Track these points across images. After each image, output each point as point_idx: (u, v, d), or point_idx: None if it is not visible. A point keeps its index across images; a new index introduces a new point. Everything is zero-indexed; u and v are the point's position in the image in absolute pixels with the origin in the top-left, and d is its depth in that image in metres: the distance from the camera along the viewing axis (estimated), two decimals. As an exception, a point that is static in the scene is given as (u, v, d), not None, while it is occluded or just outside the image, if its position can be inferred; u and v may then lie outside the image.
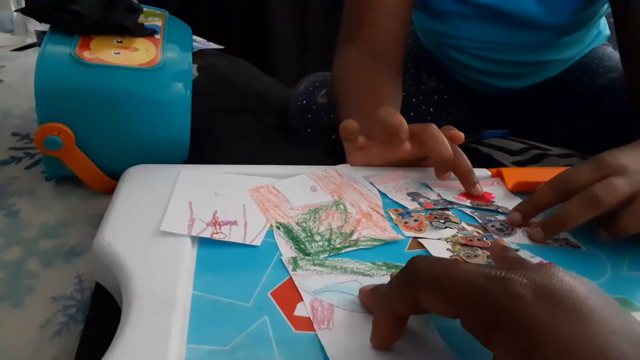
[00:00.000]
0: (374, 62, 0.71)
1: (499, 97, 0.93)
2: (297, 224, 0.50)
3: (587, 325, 0.27)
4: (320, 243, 0.47)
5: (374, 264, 0.45)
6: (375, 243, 0.47)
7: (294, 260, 0.45)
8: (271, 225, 0.49)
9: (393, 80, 0.71)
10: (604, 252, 0.49)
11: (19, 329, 0.46)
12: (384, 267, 0.45)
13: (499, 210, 0.54)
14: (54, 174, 0.61)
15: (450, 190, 0.57)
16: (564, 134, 0.86)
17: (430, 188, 0.57)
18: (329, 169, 0.58)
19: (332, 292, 0.42)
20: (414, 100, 0.86)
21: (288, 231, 0.49)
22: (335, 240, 0.48)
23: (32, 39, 1.15)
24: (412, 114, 0.85)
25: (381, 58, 0.71)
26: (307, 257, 0.45)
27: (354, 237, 0.48)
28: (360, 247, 0.47)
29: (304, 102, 0.82)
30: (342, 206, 0.52)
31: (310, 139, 0.80)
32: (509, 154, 0.77)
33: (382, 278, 0.44)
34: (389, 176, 0.58)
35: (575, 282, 0.30)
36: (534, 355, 0.27)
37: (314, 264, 0.45)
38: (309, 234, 0.48)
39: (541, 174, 0.59)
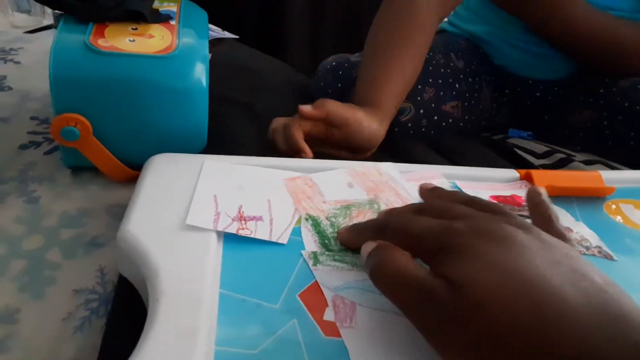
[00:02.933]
0: (407, 19, 0.72)
1: (528, 92, 0.92)
2: (327, 218, 0.49)
3: (515, 255, 0.32)
4: None
5: None
6: None
7: (314, 255, 0.44)
8: (299, 220, 0.48)
9: (417, 46, 0.72)
10: (638, 265, 0.48)
11: (40, 322, 0.45)
12: None
13: None
14: (71, 164, 0.60)
15: (481, 193, 0.56)
16: (585, 135, 0.84)
17: (461, 190, 0.56)
18: (369, 165, 0.56)
19: (353, 290, 0.41)
20: (442, 70, 0.84)
21: (316, 224, 0.48)
22: None
23: (49, 21, 1.13)
24: (440, 80, 0.83)
25: (415, 18, 0.72)
26: (327, 252, 0.45)
27: None
28: None
29: (334, 63, 0.81)
30: (376, 205, 0.51)
31: (341, 95, 0.79)
32: (534, 156, 0.76)
33: None
34: (422, 174, 0.56)
35: (519, 232, 0.33)
36: (463, 269, 0.32)
37: (334, 260, 0.44)
38: (336, 230, 0.48)
39: (571, 179, 0.58)
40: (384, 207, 0.51)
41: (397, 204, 0.51)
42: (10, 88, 0.76)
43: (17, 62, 0.83)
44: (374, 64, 0.70)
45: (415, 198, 0.52)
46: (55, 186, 0.59)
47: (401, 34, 0.71)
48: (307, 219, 0.49)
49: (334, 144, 0.65)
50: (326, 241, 0.46)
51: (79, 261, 0.51)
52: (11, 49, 0.87)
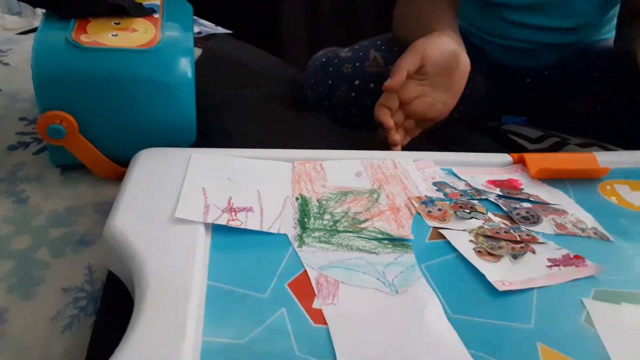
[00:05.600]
0: (434, 2, 0.74)
1: (519, 79, 0.91)
2: (318, 200, 0.49)
3: None
4: (325, 222, 0.46)
5: (379, 242, 0.45)
6: (379, 236, 0.46)
7: (300, 237, 0.44)
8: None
9: (451, 13, 0.75)
10: (633, 245, 0.47)
11: (30, 322, 0.45)
12: (389, 245, 0.44)
13: (530, 198, 0.52)
14: (60, 163, 0.60)
15: (478, 178, 0.55)
16: (579, 119, 0.83)
17: (457, 176, 0.55)
18: (388, 158, 0.56)
19: (337, 269, 0.42)
20: None
21: (304, 203, 0.48)
22: (341, 223, 0.46)
23: (39, 22, 1.13)
24: None
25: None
26: (313, 235, 0.45)
27: (364, 225, 0.47)
28: (362, 236, 0.45)
29: (324, 59, 0.80)
30: (375, 195, 0.50)
31: (330, 92, 0.78)
32: (528, 141, 0.75)
33: (388, 256, 0.43)
34: (418, 164, 0.56)
35: None
36: None
37: (320, 241, 0.44)
38: (321, 211, 0.48)
39: (565, 161, 0.57)
40: (383, 197, 0.50)
41: (399, 196, 0.51)
42: (-1, 90, 0.76)
43: (6, 64, 0.83)
44: (419, 23, 0.72)
45: (422, 192, 0.51)
46: (44, 186, 0.58)
47: (423, 7, 0.75)
48: (297, 198, 0.49)
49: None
50: (305, 219, 0.46)
51: (67, 260, 0.50)
52: (0, 51, 0.87)
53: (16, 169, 0.61)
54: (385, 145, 0.61)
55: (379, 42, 0.80)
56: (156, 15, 0.61)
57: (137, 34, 0.56)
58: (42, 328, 0.44)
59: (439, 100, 0.64)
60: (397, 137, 0.61)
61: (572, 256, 0.45)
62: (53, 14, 0.58)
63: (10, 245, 0.51)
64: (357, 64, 0.76)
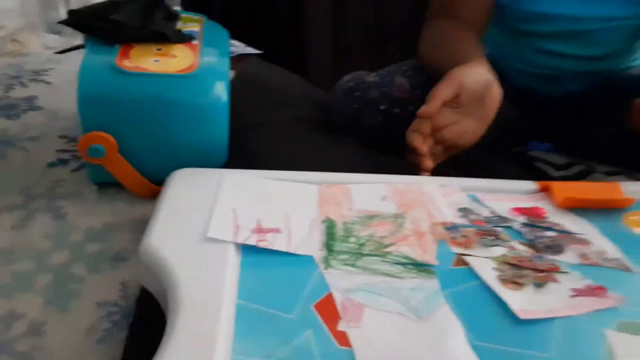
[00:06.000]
0: (461, 29, 0.76)
1: (545, 105, 0.91)
2: (344, 223, 0.50)
3: None
4: (350, 245, 0.48)
5: (404, 266, 0.46)
6: (404, 261, 0.46)
7: (326, 259, 0.46)
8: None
9: (478, 41, 0.77)
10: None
11: (65, 335, 0.47)
12: (414, 270, 0.45)
13: (554, 227, 0.53)
14: (98, 180, 0.63)
15: (502, 205, 0.56)
16: (606, 146, 0.83)
17: (481, 203, 0.56)
18: (414, 183, 0.57)
19: (362, 292, 0.43)
20: None
21: (331, 225, 0.50)
22: (366, 247, 0.48)
23: (80, 41, 1.17)
24: None
25: (467, 27, 0.76)
26: (338, 258, 0.46)
27: (389, 249, 0.48)
28: (386, 260, 0.46)
29: (351, 83, 0.82)
30: (400, 220, 0.52)
31: (357, 116, 0.79)
32: (554, 167, 0.75)
33: (412, 281, 0.44)
34: (445, 190, 0.57)
35: None
36: None
37: (345, 264, 0.45)
38: (346, 234, 0.49)
39: (591, 190, 0.57)
40: (408, 222, 0.51)
41: (424, 221, 0.51)
42: (40, 107, 0.79)
43: (48, 83, 0.86)
44: (448, 50, 0.74)
45: (446, 218, 0.52)
46: (82, 202, 0.61)
47: (452, 34, 0.77)
48: (323, 221, 0.50)
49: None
50: (331, 241, 0.48)
51: (102, 275, 0.52)
52: (42, 70, 0.90)
53: (55, 186, 0.63)
54: (414, 170, 0.62)
55: (405, 67, 0.81)
56: (195, 42, 0.63)
57: (176, 60, 0.59)
58: (76, 341, 0.46)
59: (470, 128, 0.65)
60: (429, 163, 0.62)
61: (595, 287, 0.45)
62: (98, 40, 0.61)
63: (48, 260, 0.53)
64: (384, 89, 0.77)
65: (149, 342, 0.38)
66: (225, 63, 0.62)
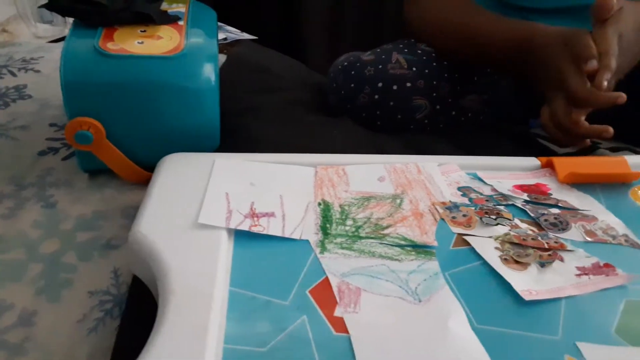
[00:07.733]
0: None
1: None
2: (340, 205, 0.49)
3: None
4: (347, 228, 0.46)
5: (402, 248, 0.44)
6: (402, 242, 0.45)
7: (321, 243, 0.44)
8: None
9: None
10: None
11: (56, 324, 0.45)
12: (413, 252, 0.44)
13: (558, 204, 0.51)
14: (87, 168, 0.61)
15: (504, 182, 0.54)
16: (609, 122, 0.81)
17: (482, 180, 0.54)
18: (412, 162, 0.55)
19: (359, 276, 0.41)
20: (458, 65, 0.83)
21: (326, 208, 0.48)
22: (363, 229, 0.46)
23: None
24: (456, 75, 0.81)
25: None
26: (335, 241, 0.45)
27: (387, 231, 0.46)
28: (384, 242, 0.45)
29: (346, 63, 0.80)
30: (398, 200, 0.50)
31: (353, 95, 0.78)
32: (557, 144, 0.73)
33: (411, 263, 0.43)
34: (444, 169, 0.55)
35: None
36: None
37: (342, 248, 0.44)
38: (343, 217, 0.47)
39: (595, 165, 0.56)
40: (406, 203, 0.50)
41: (424, 201, 0.50)
42: (30, 96, 0.78)
43: (37, 71, 0.85)
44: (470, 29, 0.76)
45: (446, 197, 0.51)
46: (73, 190, 0.60)
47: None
48: (319, 204, 0.49)
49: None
50: (327, 225, 0.46)
51: (94, 263, 0.51)
52: (32, 59, 0.89)
53: (45, 174, 0.62)
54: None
55: (401, 45, 0.79)
56: (181, 23, 0.61)
57: (162, 41, 0.57)
58: (67, 331, 0.45)
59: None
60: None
61: (602, 264, 0.43)
62: (81, 23, 0.59)
63: (39, 249, 0.52)
64: (380, 66, 0.75)
65: (142, 331, 0.37)
66: (213, 44, 0.60)
